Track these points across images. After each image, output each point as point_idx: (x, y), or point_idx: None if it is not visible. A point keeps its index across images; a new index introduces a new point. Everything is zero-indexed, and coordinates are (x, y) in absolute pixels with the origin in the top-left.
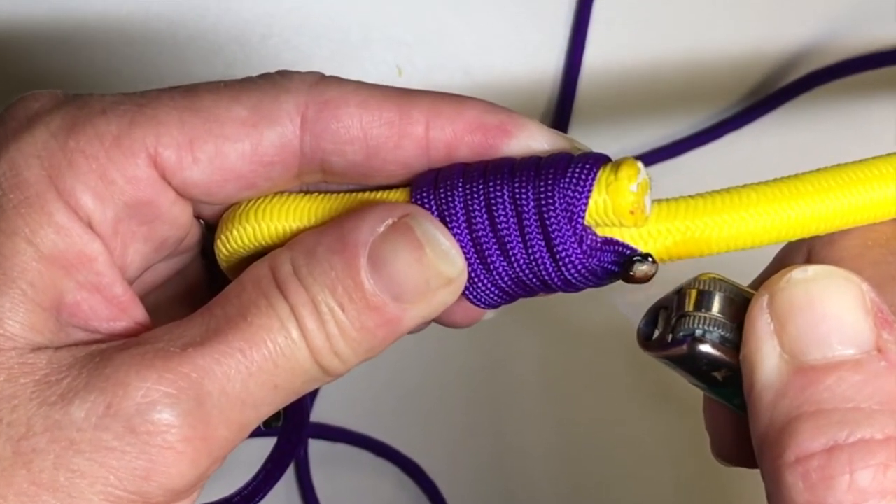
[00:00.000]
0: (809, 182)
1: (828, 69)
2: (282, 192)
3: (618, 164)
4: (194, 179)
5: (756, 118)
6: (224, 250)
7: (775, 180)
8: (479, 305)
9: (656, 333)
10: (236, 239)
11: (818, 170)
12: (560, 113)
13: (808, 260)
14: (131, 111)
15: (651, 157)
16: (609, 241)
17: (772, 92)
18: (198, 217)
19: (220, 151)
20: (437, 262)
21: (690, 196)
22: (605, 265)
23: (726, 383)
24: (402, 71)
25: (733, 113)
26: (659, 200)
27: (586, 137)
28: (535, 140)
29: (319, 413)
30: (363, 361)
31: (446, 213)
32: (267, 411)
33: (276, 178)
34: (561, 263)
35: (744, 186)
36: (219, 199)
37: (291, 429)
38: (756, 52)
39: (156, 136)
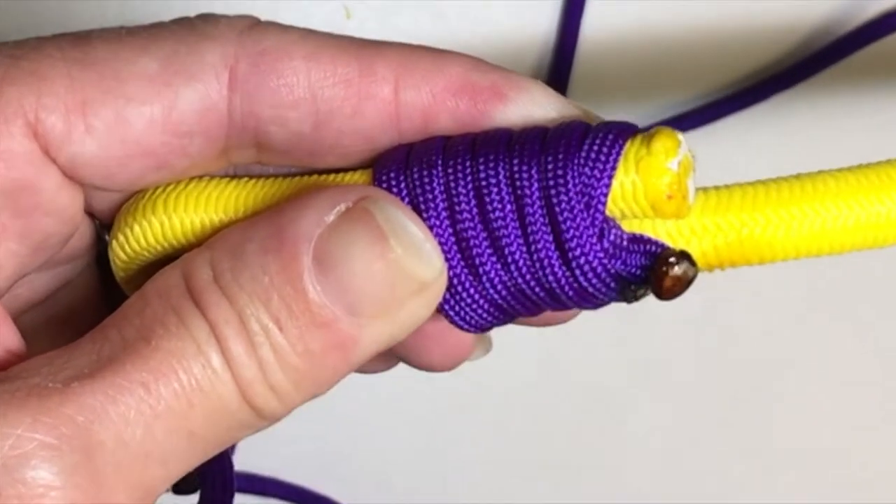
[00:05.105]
0: None
1: None
2: (201, 177)
3: (651, 136)
4: (87, 155)
5: (808, 76)
6: (121, 254)
7: (860, 166)
8: (462, 326)
9: None
10: (139, 237)
11: None
12: (556, 71)
13: None
14: (4, 65)
15: (678, 125)
16: (638, 239)
17: (828, 44)
18: (90, 214)
19: (120, 117)
20: (406, 259)
21: (748, 183)
22: (632, 269)
23: None
24: (352, 13)
25: (776, 72)
26: (705, 189)
27: (590, 103)
28: (538, 106)
29: (245, 460)
30: (307, 400)
31: (421, 201)
32: (178, 469)
33: (196, 154)
34: (575, 265)
35: (819, 173)
36: (119, 183)
37: (212, 494)
38: None
39: (36, 96)
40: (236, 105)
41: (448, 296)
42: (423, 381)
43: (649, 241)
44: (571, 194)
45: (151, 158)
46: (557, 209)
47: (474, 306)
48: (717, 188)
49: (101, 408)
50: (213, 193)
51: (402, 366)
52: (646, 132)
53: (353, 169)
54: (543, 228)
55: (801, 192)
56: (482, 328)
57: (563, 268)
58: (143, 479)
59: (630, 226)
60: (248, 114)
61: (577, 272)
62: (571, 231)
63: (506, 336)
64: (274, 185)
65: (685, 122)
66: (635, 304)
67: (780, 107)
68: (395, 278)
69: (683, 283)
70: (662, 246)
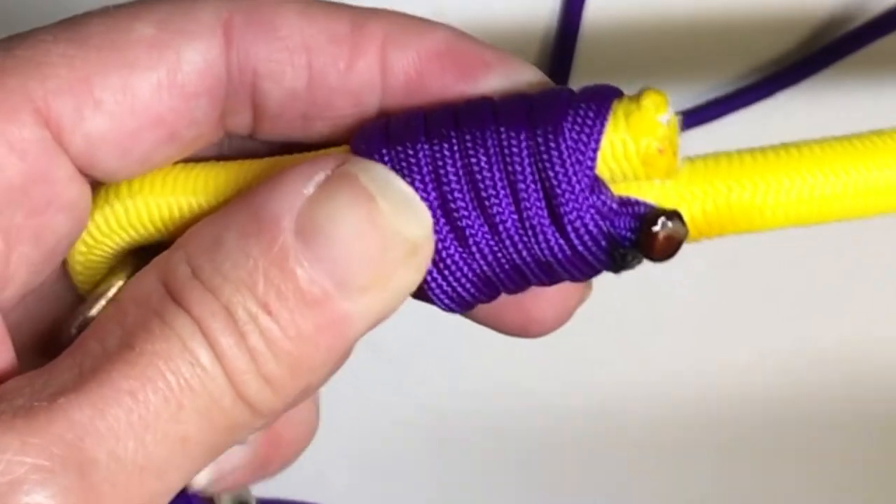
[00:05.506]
0: None
1: None
2: (175, 165)
3: (639, 94)
4: (100, 132)
5: (816, 71)
6: (81, 246)
7: (852, 135)
8: (444, 302)
9: None
10: (100, 224)
11: None
12: (558, 60)
13: None
14: None
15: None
16: (626, 202)
17: (836, 38)
18: None
19: (127, 85)
20: (395, 218)
21: (735, 150)
22: (622, 231)
23: None
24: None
25: (786, 66)
26: (691, 157)
27: None
28: (522, 76)
29: None
30: (301, 390)
31: (405, 166)
32: (176, 479)
33: (202, 120)
34: (566, 220)
35: (804, 141)
36: (133, 160)
37: None
38: None
39: (39, 81)
40: (234, 61)
41: (432, 267)
42: (418, 388)
43: (638, 202)
44: (563, 149)
45: (162, 128)
46: (548, 164)
47: (459, 275)
48: (704, 156)
49: (90, 423)
50: (179, 175)
51: (393, 379)
52: (632, 94)
53: (329, 146)
54: (533, 186)
55: (787, 158)
56: (465, 305)
57: (553, 226)
58: (140, 495)
59: (618, 189)
60: (245, 69)
61: (568, 228)
62: (563, 185)
63: (505, 341)
64: (243, 166)
65: (687, 120)
66: (639, 308)
67: (785, 103)
68: (385, 241)
69: (674, 243)
70: (651, 206)
